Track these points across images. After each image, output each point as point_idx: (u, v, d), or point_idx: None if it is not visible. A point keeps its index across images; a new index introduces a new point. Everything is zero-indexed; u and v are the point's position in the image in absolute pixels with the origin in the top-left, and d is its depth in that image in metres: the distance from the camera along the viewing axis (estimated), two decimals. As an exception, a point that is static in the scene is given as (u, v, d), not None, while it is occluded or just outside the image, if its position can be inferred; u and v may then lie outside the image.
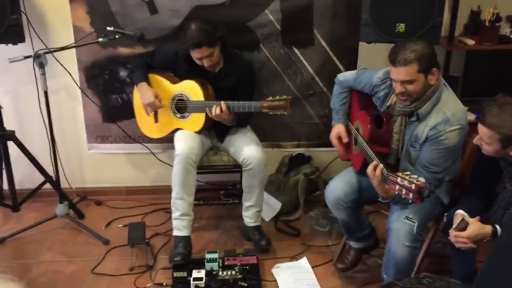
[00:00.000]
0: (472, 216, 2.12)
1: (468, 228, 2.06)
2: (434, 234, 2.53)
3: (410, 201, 1.94)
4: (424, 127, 2.26)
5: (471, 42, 3.15)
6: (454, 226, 2.11)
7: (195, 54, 2.79)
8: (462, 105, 2.33)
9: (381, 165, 2.13)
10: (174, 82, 2.99)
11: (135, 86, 3.04)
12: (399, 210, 2.31)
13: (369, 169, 2.17)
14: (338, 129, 2.68)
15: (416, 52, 2.16)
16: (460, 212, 2.17)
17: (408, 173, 1.99)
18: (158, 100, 2.92)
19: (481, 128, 2.03)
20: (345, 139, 2.63)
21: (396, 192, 2.02)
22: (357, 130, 2.51)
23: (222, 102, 2.73)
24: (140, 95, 2.95)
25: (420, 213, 2.29)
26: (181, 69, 2.97)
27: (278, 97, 2.65)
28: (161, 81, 3.01)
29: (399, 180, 1.98)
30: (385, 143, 2.36)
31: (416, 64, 2.16)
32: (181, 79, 2.97)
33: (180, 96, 2.96)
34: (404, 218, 2.27)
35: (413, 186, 1.90)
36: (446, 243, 2.41)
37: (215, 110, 2.74)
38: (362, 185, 2.52)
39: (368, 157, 2.28)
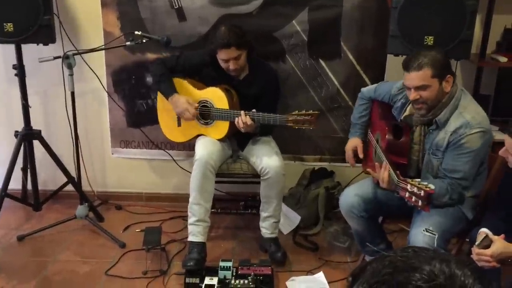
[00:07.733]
0: (496, 235, 2.01)
1: (492, 246, 1.95)
2: (456, 254, 2.42)
3: (419, 208, 1.89)
4: (445, 134, 2.21)
5: (503, 59, 3.05)
6: (477, 243, 2.01)
7: (222, 55, 2.78)
8: (482, 110, 2.27)
9: (388, 166, 2.10)
10: (198, 88, 2.99)
11: (158, 92, 3.06)
12: (419, 222, 2.23)
13: (379, 172, 2.15)
14: (354, 142, 2.65)
15: (430, 57, 2.15)
16: (484, 230, 2.07)
17: (419, 180, 1.95)
18: (191, 105, 2.88)
19: (507, 139, 1.95)
20: (361, 155, 2.59)
21: (406, 200, 1.97)
22: (377, 141, 2.46)
23: (248, 116, 2.70)
24: (173, 105, 2.92)
25: (442, 226, 2.20)
26: (206, 75, 2.97)
27: (304, 111, 2.61)
28: (186, 86, 3.01)
29: (408, 187, 1.96)
30: (403, 154, 2.31)
31: (430, 69, 2.14)
32: (206, 85, 2.97)
33: (205, 103, 2.95)
34: (424, 230, 2.18)
35: (422, 193, 1.87)
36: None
37: (241, 121, 2.71)
38: (377, 196, 2.46)
39: None
